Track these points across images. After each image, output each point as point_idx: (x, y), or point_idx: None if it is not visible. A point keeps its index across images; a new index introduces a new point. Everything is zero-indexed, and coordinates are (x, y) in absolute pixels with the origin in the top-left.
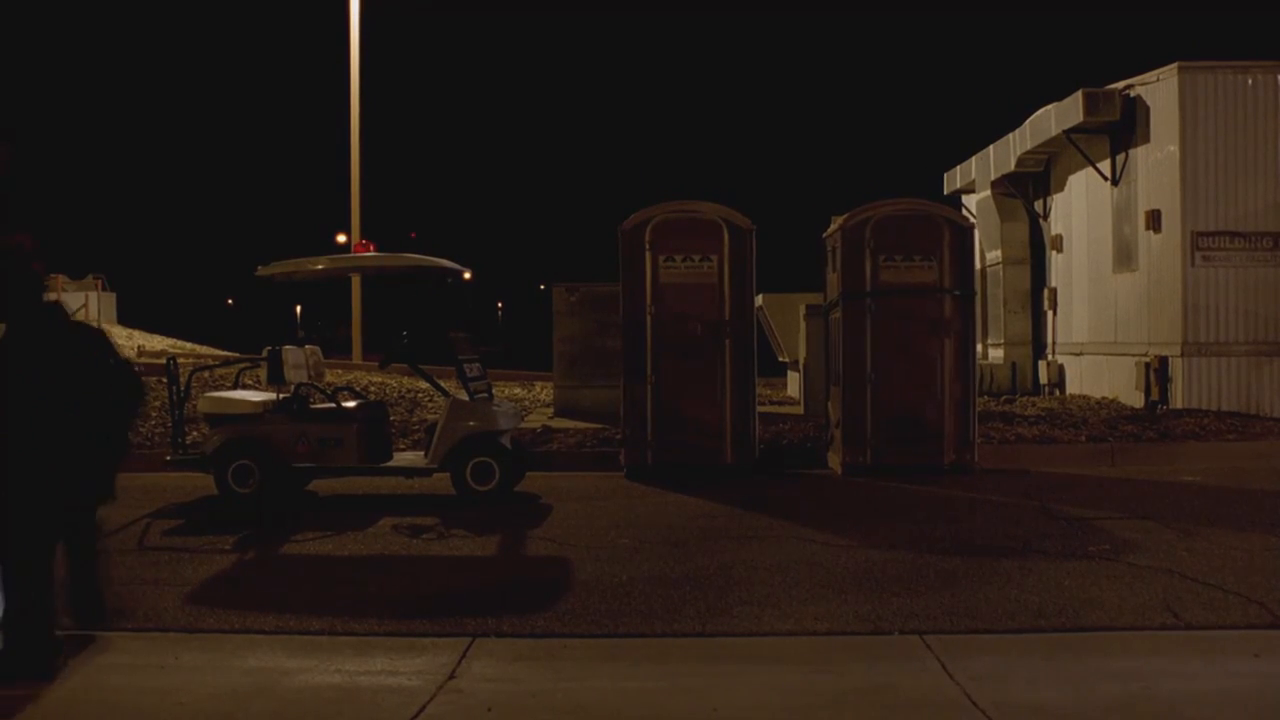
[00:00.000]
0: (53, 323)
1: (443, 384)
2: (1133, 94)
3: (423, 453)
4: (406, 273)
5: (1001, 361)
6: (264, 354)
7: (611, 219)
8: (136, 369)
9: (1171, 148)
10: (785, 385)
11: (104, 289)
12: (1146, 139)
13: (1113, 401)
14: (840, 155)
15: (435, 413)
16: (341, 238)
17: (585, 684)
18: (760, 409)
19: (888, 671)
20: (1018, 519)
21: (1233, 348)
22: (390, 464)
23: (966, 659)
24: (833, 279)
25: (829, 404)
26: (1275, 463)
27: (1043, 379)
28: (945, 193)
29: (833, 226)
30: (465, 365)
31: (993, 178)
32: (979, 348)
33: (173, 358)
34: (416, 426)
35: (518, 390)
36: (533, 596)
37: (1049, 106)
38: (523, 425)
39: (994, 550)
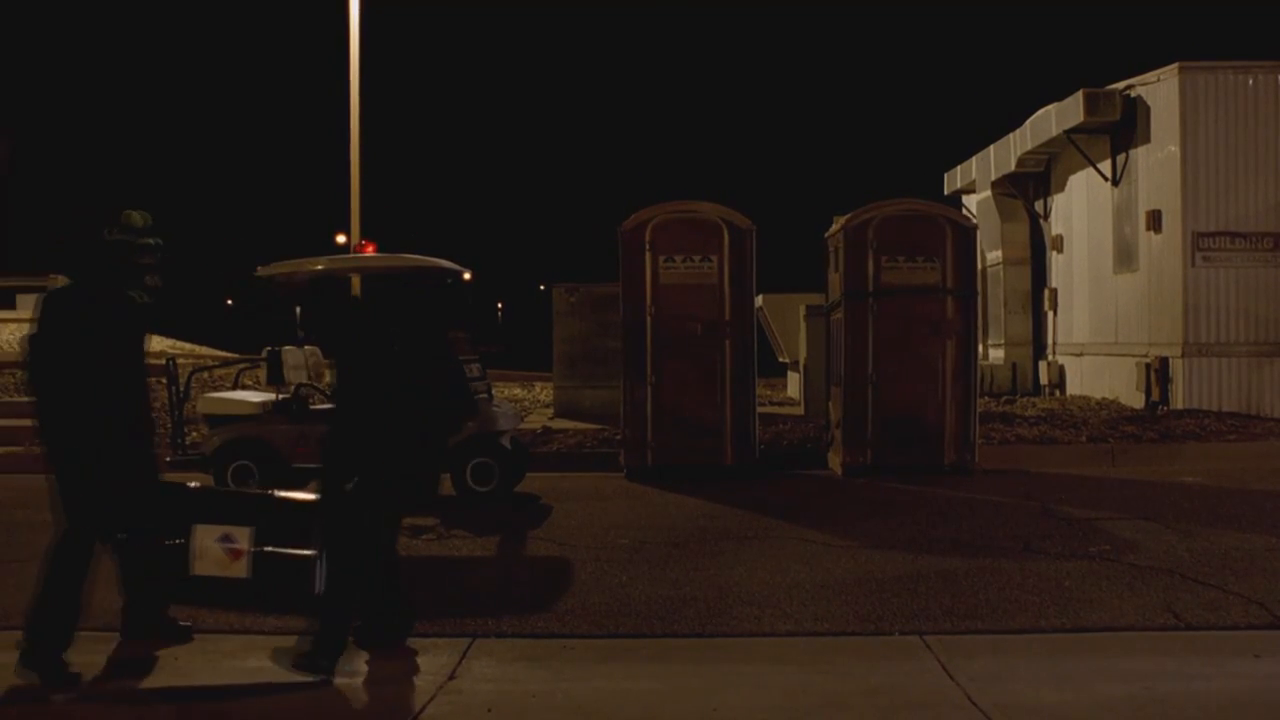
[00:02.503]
0: (391, 324)
1: None
2: (1133, 94)
3: None
4: (406, 273)
5: (1002, 362)
6: (263, 354)
7: (611, 219)
8: (463, 380)
9: (1172, 148)
10: (785, 385)
11: None
12: (1147, 139)
13: (1113, 402)
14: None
15: None
16: (341, 238)
17: (585, 684)
18: (760, 409)
19: (888, 672)
20: (1018, 519)
21: (1233, 348)
22: None
23: (966, 659)
24: (834, 279)
25: (829, 404)
26: (1276, 463)
27: (1043, 379)
28: (945, 193)
29: (835, 226)
30: (465, 365)
31: (993, 178)
32: (979, 348)
33: (172, 358)
34: None
35: (518, 390)
36: (533, 596)
37: (1049, 106)
38: (523, 425)
39: (994, 550)
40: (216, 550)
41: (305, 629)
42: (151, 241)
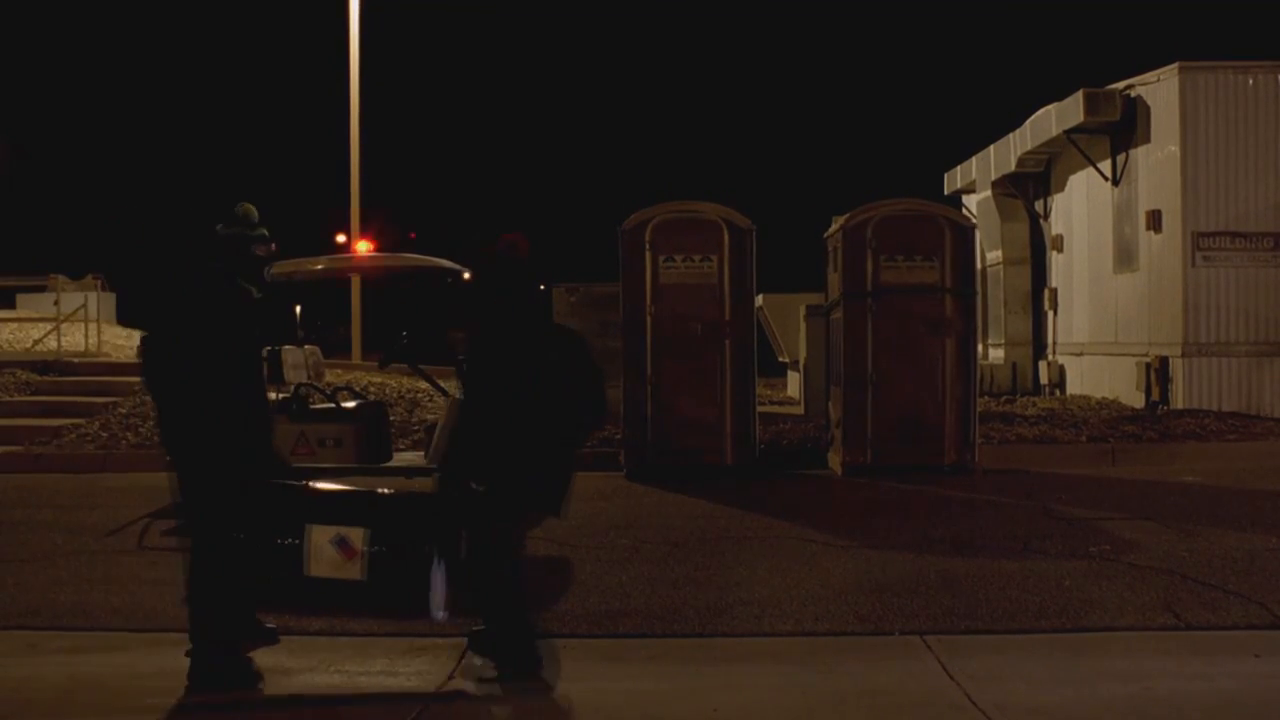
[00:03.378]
0: (535, 323)
1: (443, 384)
2: (1133, 94)
3: (423, 453)
4: (406, 273)
5: (1002, 362)
6: (263, 354)
7: (611, 219)
8: (600, 386)
9: (1172, 148)
10: (785, 385)
11: (103, 289)
12: (1147, 139)
13: (1113, 402)
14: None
15: (435, 413)
16: (341, 238)
17: (585, 684)
18: (760, 409)
19: (888, 672)
20: (1018, 519)
21: (1233, 348)
22: (390, 464)
23: (966, 659)
24: (833, 279)
25: (829, 404)
26: (1276, 463)
27: (1043, 379)
28: (945, 193)
29: (834, 226)
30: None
31: (993, 178)
32: (979, 348)
33: None
34: (416, 426)
35: None
36: (532, 596)
37: (1049, 106)
38: None
39: (994, 550)
40: (331, 551)
41: (305, 628)
42: (264, 233)
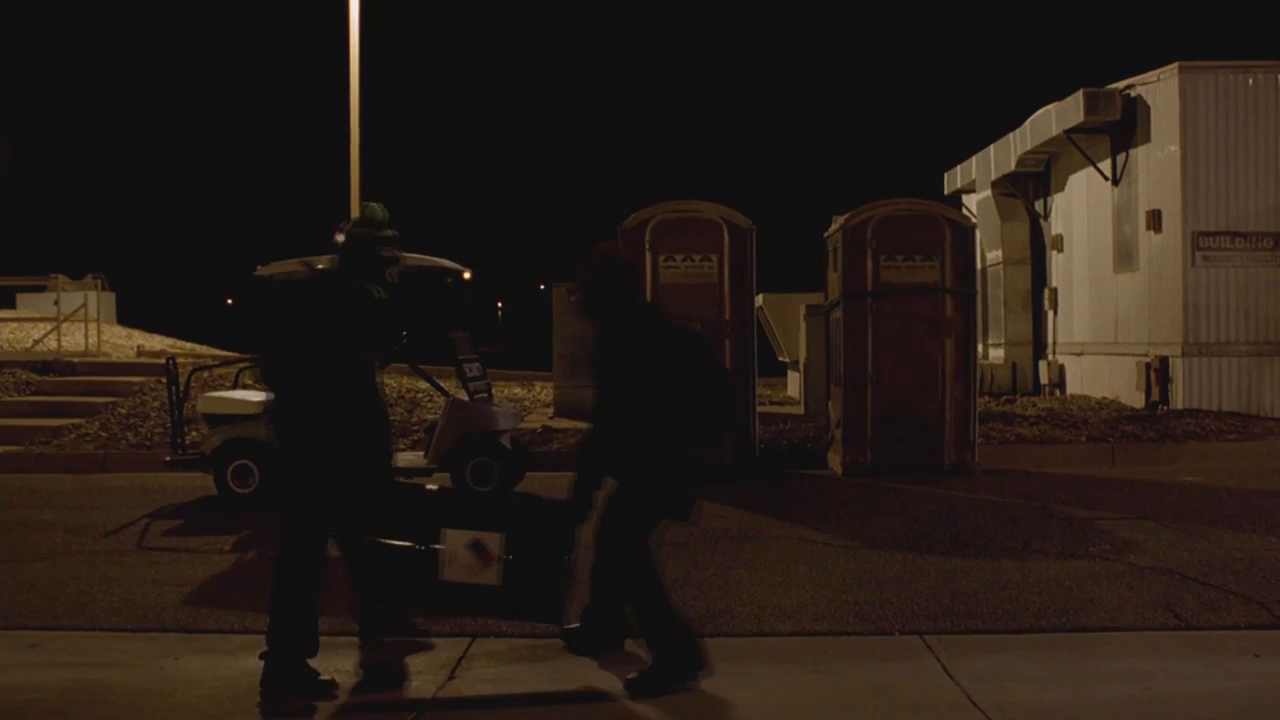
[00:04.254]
0: (651, 325)
1: (443, 384)
2: (1133, 94)
3: (422, 453)
4: (407, 273)
5: (1002, 361)
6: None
7: (611, 219)
8: (723, 383)
9: (1172, 148)
10: (785, 385)
11: (103, 289)
12: (1147, 139)
13: (1113, 402)
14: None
15: (435, 413)
16: (341, 238)
17: (585, 684)
18: (760, 409)
19: (888, 671)
20: (1018, 519)
21: (1233, 348)
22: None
23: (966, 659)
24: (833, 279)
25: (829, 404)
26: (1276, 463)
27: (1043, 379)
28: (945, 193)
29: (834, 226)
30: (465, 365)
31: (993, 178)
32: (979, 348)
33: (172, 358)
34: (416, 426)
35: (518, 390)
36: None
37: (1049, 106)
38: (523, 425)
39: (994, 550)
40: (467, 556)
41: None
42: (390, 235)
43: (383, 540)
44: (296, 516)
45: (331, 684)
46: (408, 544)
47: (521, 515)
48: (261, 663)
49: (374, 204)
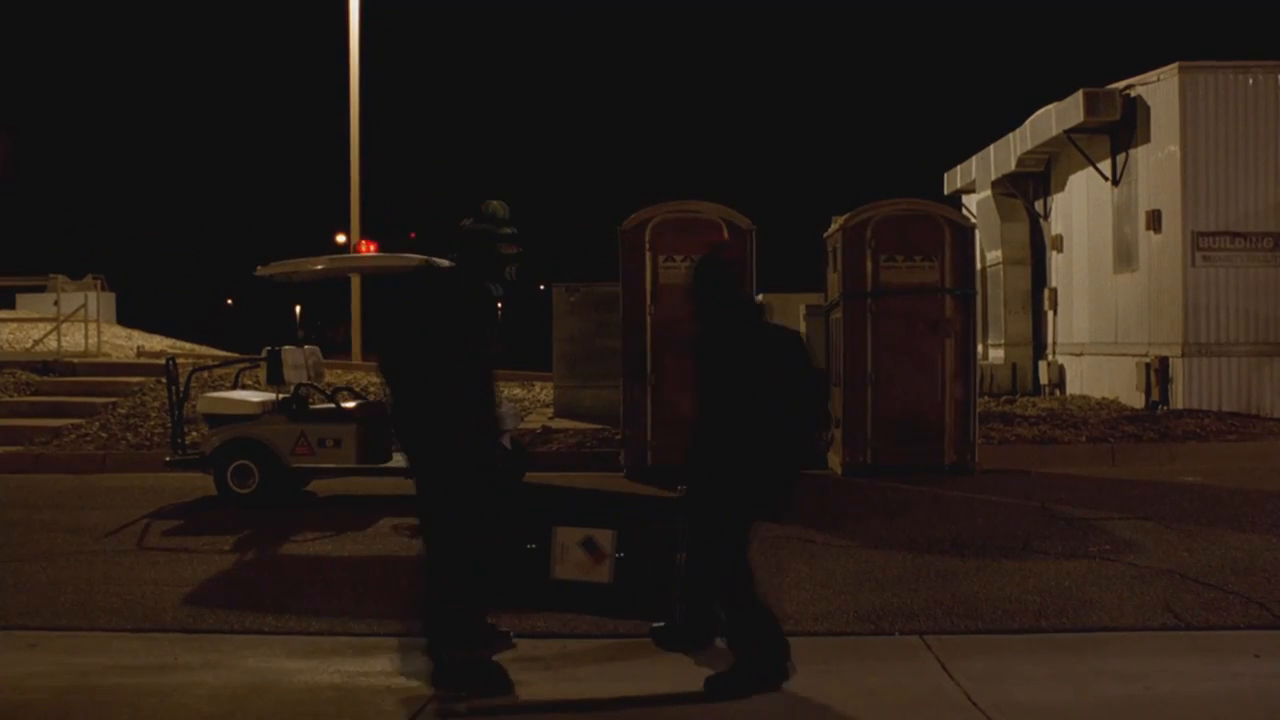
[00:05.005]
0: (750, 322)
1: None
2: (1133, 94)
3: None
4: (406, 273)
5: (1002, 362)
6: (263, 354)
7: (611, 219)
8: (822, 382)
9: (1172, 148)
10: None
11: (103, 289)
12: (1147, 139)
13: (1113, 402)
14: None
15: None
16: (341, 238)
17: (585, 684)
18: None
19: (888, 672)
20: (1018, 519)
21: (1233, 348)
22: (390, 464)
23: (966, 659)
24: (833, 279)
25: (829, 404)
26: (1276, 463)
27: (1043, 379)
28: (945, 193)
29: (833, 226)
30: None
31: (993, 178)
32: (979, 348)
33: (172, 358)
34: None
35: (518, 390)
36: None
37: (1049, 106)
38: (523, 425)
39: (994, 550)
40: (579, 554)
41: (305, 628)
42: (511, 233)
43: (494, 539)
44: (433, 514)
45: (505, 674)
46: (519, 542)
47: (633, 512)
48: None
49: (495, 201)
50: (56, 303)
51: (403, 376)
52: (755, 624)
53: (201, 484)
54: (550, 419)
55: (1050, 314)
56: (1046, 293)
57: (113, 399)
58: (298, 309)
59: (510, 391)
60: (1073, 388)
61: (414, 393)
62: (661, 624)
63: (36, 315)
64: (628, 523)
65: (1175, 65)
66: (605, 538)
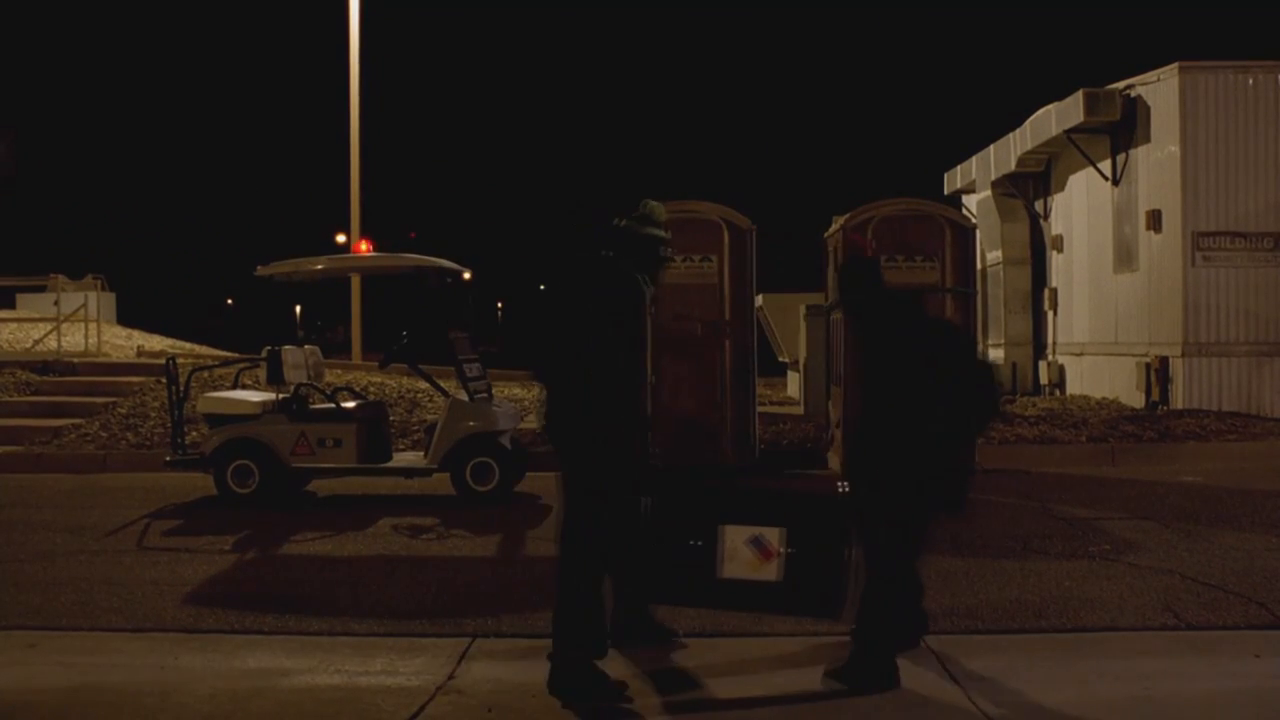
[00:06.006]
0: (910, 316)
1: (443, 384)
2: (1133, 94)
3: (422, 453)
4: (406, 273)
5: (1002, 362)
6: (263, 354)
7: (611, 219)
8: (992, 378)
9: (1172, 148)
10: (785, 385)
11: (103, 289)
12: (1147, 139)
13: (1113, 402)
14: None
15: (435, 413)
16: (341, 238)
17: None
18: (760, 409)
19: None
20: (1018, 519)
21: (1233, 348)
22: (390, 464)
23: (966, 659)
24: (834, 279)
25: (829, 404)
26: (1276, 463)
27: (1043, 379)
28: (945, 193)
29: (834, 226)
30: (465, 365)
31: (993, 178)
32: (980, 348)
33: (172, 358)
34: (416, 426)
35: (518, 390)
36: (533, 596)
37: (1049, 106)
38: (523, 425)
39: (994, 550)
40: (747, 552)
41: (305, 628)
42: (666, 234)
43: (659, 537)
44: (576, 513)
45: (622, 686)
46: (685, 540)
47: (801, 509)
48: (550, 664)
49: (654, 202)
50: (56, 303)
51: (567, 371)
52: (889, 620)
53: (201, 484)
54: None
55: (1050, 314)
56: (1046, 293)
57: (113, 399)
58: (298, 309)
59: (510, 391)
60: (1073, 388)
61: (569, 390)
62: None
63: (36, 315)
64: (797, 520)
65: (1175, 65)
66: (774, 535)
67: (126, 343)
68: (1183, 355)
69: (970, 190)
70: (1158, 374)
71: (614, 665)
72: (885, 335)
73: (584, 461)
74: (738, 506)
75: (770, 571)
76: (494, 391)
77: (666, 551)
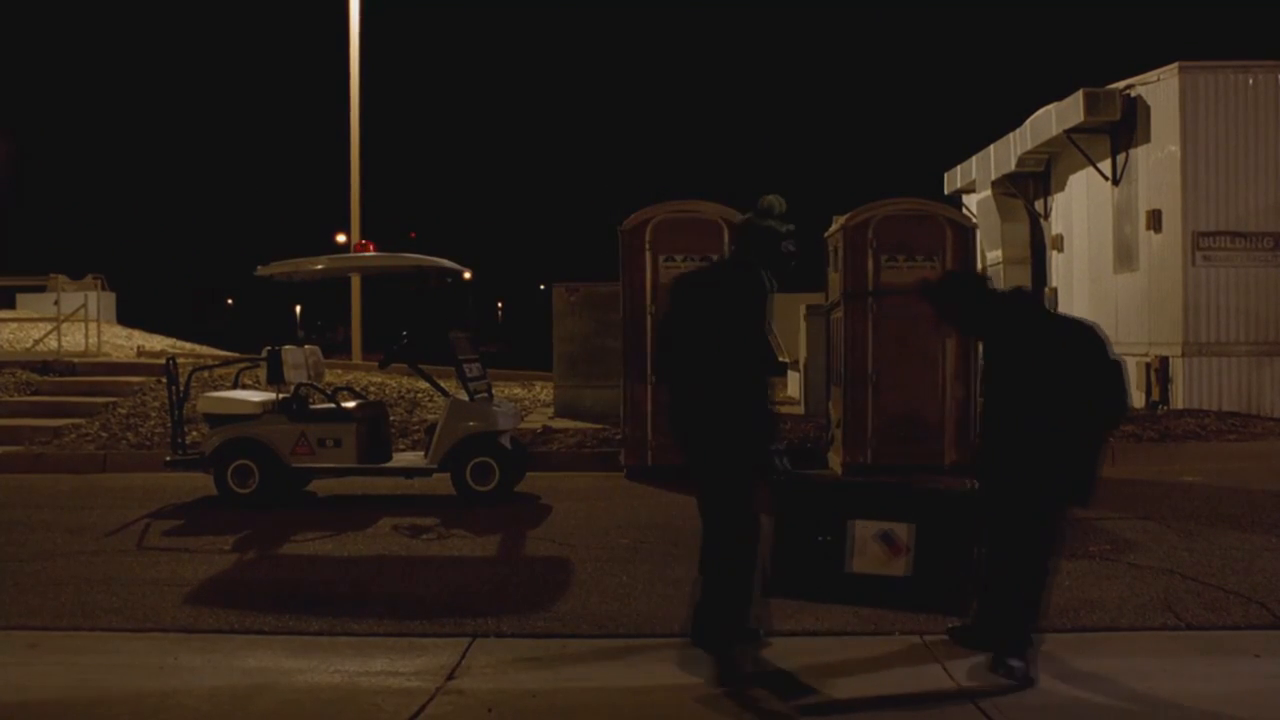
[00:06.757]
0: (1036, 316)
1: (443, 384)
2: (1133, 94)
3: (422, 453)
4: (406, 273)
5: None
6: (264, 354)
7: (611, 219)
8: (1118, 373)
9: (1172, 148)
10: (785, 385)
11: (103, 289)
12: (1147, 139)
13: None
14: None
15: (435, 413)
16: (341, 238)
17: (585, 684)
18: None
19: (888, 672)
20: None
21: (1233, 348)
22: (390, 464)
23: (967, 659)
24: (834, 279)
25: (829, 404)
26: (1276, 463)
27: None
28: (946, 193)
29: (834, 226)
30: (465, 365)
31: (993, 177)
32: (980, 348)
33: (172, 358)
34: (416, 426)
35: (518, 390)
36: (533, 596)
37: (1049, 106)
38: (523, 425)
39: None
40: (876, 547)
41: (305, 628)
42: (790, 228)
43: (788, 533)
44: (723, 512)
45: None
46: (815, 536)
47: (931, 505)
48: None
49: (775, 198)
50: (57, 303)
51: (701, 367)
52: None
53: (201, 484)
54: (550, 419)
55: None
56: (1047, 292)
57: (113, 399)
58: (298, 309)
59: (510, 391)
60: None
61: (695, 388)
62: (958, 623)
63: (37, 315)
64: (927, 516)
65: (1175, 65)
66: (903, 531)
67: (127, 343)
68: (1183, 355)
69: (970, 190)
70: (1158, 374)
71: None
72: (1013, 338)
73: (719, 461)
74: (866, 502)
75: (899, 567)
76: (494, 391)
77: (795, 547)
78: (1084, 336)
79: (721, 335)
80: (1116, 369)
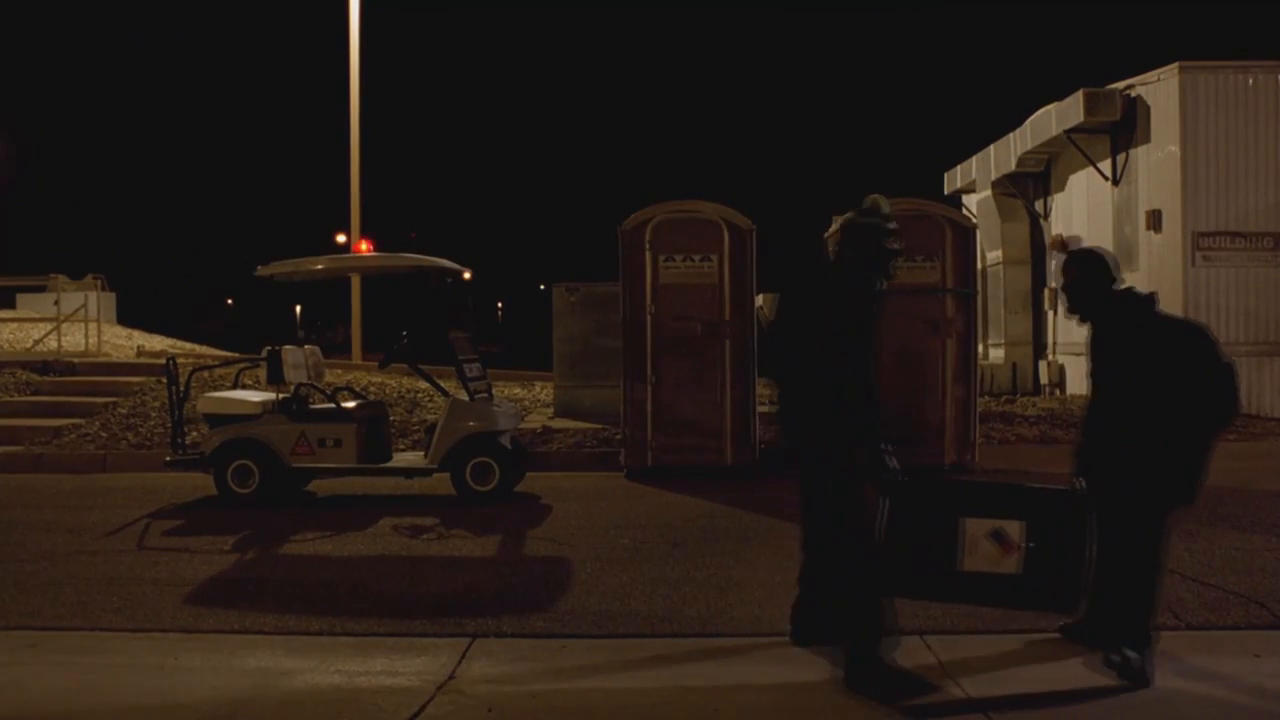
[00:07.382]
0: (1139, 316)
1: (443, 384)
2: (1133, 94)
3: (422, 453)
4: (406, 273)
5: (1002, 362)
6: (264, 354)
7: (611, 219)
8: (1228, 375)
9: (1172, 148)
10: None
11: (103, 289)
12: (1147, 139)
13: None
14: (840, 155)
15: (435, 413)
16: (341, 238)
17: (585, 684)
18: (760, 409)
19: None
20: None
21: (1233, 348)
22: (390, 464)
23: (966, 659)
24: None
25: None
26: (1276, 463)
27: (1043, 379)
28: (945, 193)
29: (834, 226)
30: (465, 365)
31: (993, 178)
32: (979, 348)
33: (172, 358)
34: (416, 426)
35: (518, 390)
36: (533, 596)
37: (1049, 106)
38: (523, 425)
39: None
40: (987, 545)
41: (305, 628)
42: (894, 226)
43: (899, 532)
44: (843, 512)
45: (921, 679)
46: (926, 534)
47: (1042, 504)
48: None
49: (878, 196)
50: (57, 303)
51: (808, 370)
52: (1146, 613)
53: (201, 484)
54: (550, 419)
55: (1050, 314)
56: (1046, 293)
57: (113, 399)
58: (298, 309)
59: (510, 391)
60: (1073, 388)
61: (803, 389)
62: (1069, 620)
63: (37, 315)
64: (1038, 514)
65: (1175, 65)
66: (1014, 529)
67: (127, 343)
68: None
69: (970, 190)
70: None
71: (813, 664)
72: (1124, 334)
73: (830, 460)
74: (977, 500)
75: (1010, 565)
76: (494, 391)
77: (907, 545)
78: (1196, 337)
79: (828, 335)
80: (1228, 371)
